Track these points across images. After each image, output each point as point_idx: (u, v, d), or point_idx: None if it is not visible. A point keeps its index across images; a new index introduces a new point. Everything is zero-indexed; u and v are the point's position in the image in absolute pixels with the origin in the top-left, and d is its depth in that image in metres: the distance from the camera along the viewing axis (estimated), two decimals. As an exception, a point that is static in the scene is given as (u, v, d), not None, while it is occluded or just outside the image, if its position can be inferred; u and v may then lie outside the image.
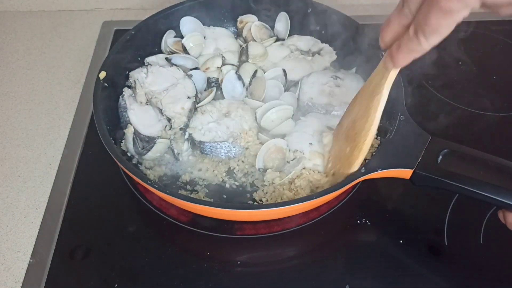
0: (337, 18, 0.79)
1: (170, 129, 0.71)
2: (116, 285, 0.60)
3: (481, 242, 0.64)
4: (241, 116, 0.72)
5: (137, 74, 0.74)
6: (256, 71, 0.77)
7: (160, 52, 0.82)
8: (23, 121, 0.81)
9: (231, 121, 0.72)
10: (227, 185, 0.68)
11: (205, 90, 0.79)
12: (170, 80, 0.74)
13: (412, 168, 0.58)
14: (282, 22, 0.86)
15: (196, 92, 0.74)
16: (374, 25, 0.75)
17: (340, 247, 0.64)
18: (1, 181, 0.73)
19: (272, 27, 0.87)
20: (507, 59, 0.91)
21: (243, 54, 0.81)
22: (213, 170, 0.69)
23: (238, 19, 0.87)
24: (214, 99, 0.76)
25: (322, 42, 0.84)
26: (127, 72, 0.75)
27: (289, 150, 0.68)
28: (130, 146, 0.68)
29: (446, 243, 0.64)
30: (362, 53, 0.77)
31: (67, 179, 0.71)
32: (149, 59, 0.79)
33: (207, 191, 0.68)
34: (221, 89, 0.77)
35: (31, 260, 0.63)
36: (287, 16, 0.85)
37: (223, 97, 0.77)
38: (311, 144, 0.69)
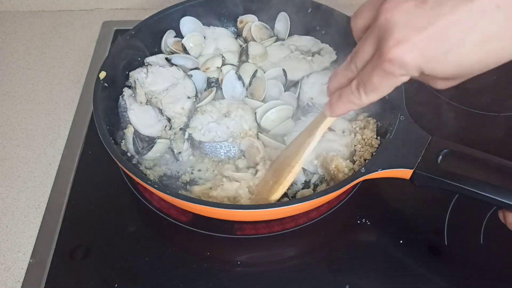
0: (337, 18, 0.79)
1: (170, 129, 0.71)
2: (116, 285, 0.60)
3: (481, 242, 0.64)
4: (241, 116, 0.72)
5: (137, 74, 0.74)
6: (256, 71, 0.77)
7: (160, 52, 0.82)
8: (23, 121, 0.81)
9: (231, 121, 0.72)
10: (227, 185, 0.68)
11: (205, 90, 0.79)
12: (170, 80, 0.74)
13: (412, 168, 0.58)
14: (282, 22, 0.86)
15: (196, 92, 0.74)
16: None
17: (340, 247, 0.64)
18: (1, 181, 0.73)
19: (272, 27, 0.87)
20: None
21: (243, 54, 0.81)
22: (213, 170, 0.69)
23: (238, 19, 0.87)
24: (214, 99, 0.76)
25: (322, 42, 0.84)
26: (127, 72, 0.75)
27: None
28: (130, 146, 0.68)
29: (446, 243, 0.64)
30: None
31: (67, 179, 0.71)
32: (149, 59, 0.79)
33: (207, 191, 0.68)
34: (221, 89, 0.77)
35: (31, 260, 0.63)
36: (287, 16, 0.85)
37: (223, 97, 0.77)
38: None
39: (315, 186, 0.68)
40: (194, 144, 0.70)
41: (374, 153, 0.65)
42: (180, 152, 0.70)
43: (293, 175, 0.60)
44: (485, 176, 0.55)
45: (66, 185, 0.70)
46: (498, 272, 0.62)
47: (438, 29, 0.37)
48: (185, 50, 0.80)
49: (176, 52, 0.80)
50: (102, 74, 0.70)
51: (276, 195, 0.60)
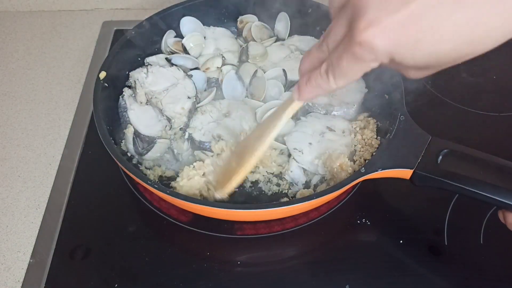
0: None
1: (170, 129, 0.71)
2: (116, 285, 0.60)
3: (481, 242, 0.64)
4: (241, 116, 0.72)
5: (137, 74, 0.74)
6: (256, 71, 0.77)
7: (160, 52, 0.82)
8: (23, 121, 0.81)
9: (231, 121, 0.72)
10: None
11: (205, 90, 0.79)
12: (170, 80, 0.74)
13: (412, 168, 0.58)
14: (282, 22, 0.86)
15: (196, 92, 0.74)
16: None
17: (340, 247, 0.64)
18: (1, 181, 0.73)
19: (272, 27, 0.87)
20: (507, 59, 0.91)
21: (243, 54, 0.81)
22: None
23: (238, 19, 0.87)
24: (214, 99, 0.76)
25: (322, 42, 0.84)
26: (127, 72, 0.75)
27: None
28: (130, 146, 0.68)
29: (446, 243, 0.64)
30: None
31: (67, 179, 0.71)
32: (149, 59, 0.79)
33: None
34: (221, 89, 0.77)
35: (31, 260, 0.63)
36: (287, 16, 0.85)
37: (223, 97, 0.77)
38: (310, 144, 0.69)
39: (315, 186, 0.68)
40: (194, 144, 0.70)
41: (374, 153, 0.65)
42: (180, 152, 0.70)
43: (255, 159, 0.57)
44: (485, 176, 0.55)
45: (66, 185, 0.70)
46: (498, 272, 0.62)
47: (411, 12, 0.35)
48: (185, 50, 0.80)
49: (176, 52, 0.80)
50: (102, 74, 0.70)
51: (238, 178, 0.58)
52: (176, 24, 0.83)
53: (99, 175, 0.72)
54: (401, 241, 0.64)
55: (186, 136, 0.70)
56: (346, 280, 0.60)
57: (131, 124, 0.69)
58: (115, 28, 0.96)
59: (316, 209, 0.67)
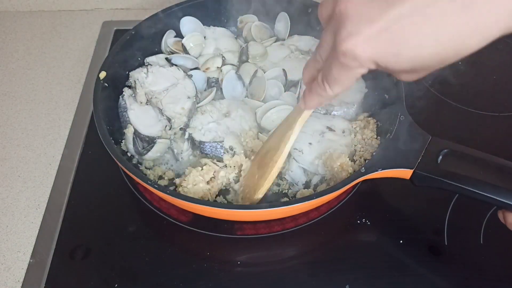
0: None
1: (170, 129, 0.71)
2: (116, 285, 0.60)
3: (481, 242, 0.64)
4: (241, 116, 0.72)
5: (137, 74, 0.74)
6: (256, 71, 0.77)
7: (160, 52, 0.82)
8: (23, 121, 0.81)
9: (231, 121, 0.72)
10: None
11: (205, 90, 0.79)
12: (170, 80, 0.74)
13: (412, 168, 0.58)
14: (282, 22, 0.86)
15: (196, 92, 0.74)
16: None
17: (340, 247, 0.64)
18: (1, 181, 0.73)
19: (272, 27, 0.87)
20: (507, 59, 0.91)
21: (243, 54, 0.81)
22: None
23: (238, 19, 0.87)
24: (214, 99, 0.76)
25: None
26: (127, 72, 0.75)
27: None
28: (130, 146, 0.68)
29: (446, 243, 0.64)
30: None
31: (67, 179, 0.71)
32: (149, 59, 0.79)
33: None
34: (221, 89, 0.77)
35: (31, 260, 0.63)
36: (287, 16, 0.85)
37: (223, 97, 0.77)
38: (310, 143, 0.69)
39: (315, 186, 0.68)
40: (194, 144, 0.70)
41: (374, 153, 0.65)
42: (180, 152, 0.70)
43: (277, 170, 0.61)
44: (485, 176, 0.55)
45: (66, 185, 0.70)
46: (498, 272, 0.62)
47: (388, 20, 0.36)
48: (185, 50, 0.80)
49: (176, 52, 0.80)
50: (102, 74, 0.70)
51: (262, 189, 0.61)
52: (176, 24, 0.83)
53: (99, 175, 0.72)
54: (401, 241, 0.64)
55: (186, 136, 0.70)
56: (346, 280, 0.60)
57: (131, 124, 0.69)
58: (115, 28, 0.96)
59: (316, 209, 0.67)
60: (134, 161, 0.70)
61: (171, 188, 0.66)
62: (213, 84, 0.79)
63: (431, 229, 0.66)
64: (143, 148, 0.69)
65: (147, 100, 0.73)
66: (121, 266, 0.62)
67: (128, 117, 0.70)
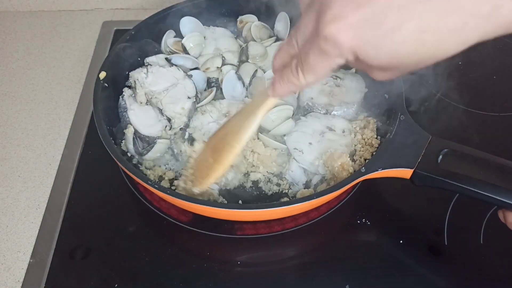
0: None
1: (170, 129, 0.71)
2: (116, 285, 0.60)
3: (481, 242, 0.64)
4: (241, 116, 0.72)
5: (137, 74, 0.74)
6: (256, 71, 0.77)
7: (160, 52, 0.82)
8: (23, 121, 0.81)
9: (231, 121, 0.72)
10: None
11: (205, 90, 0.79)
12: (170, 80, 0.74)
13: (412, 168, 0.58)
14: (282, 22, 0.86)
15: (196, 92, 0.74)
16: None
17: (340, 247, 0.64)
18: (1, 181, 0.73)
19: (272, 27, 0.87)
20: (507, 59, 0.91)
21: (243, 54, 0.81)
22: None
23: (238, 19, 0.87)
24: (214, 99, 0.76)
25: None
26: (127, 72, 0.75)
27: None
28: (130, 146, 0.68)
29: (446, 243, 0.64)
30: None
31: (67, 179, 0.71)
32: (149, 59, 0.79)
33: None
34: (221, 89, 0.77)
35: (31, 260, 0.63)
36: (287, 16, 0.85)
37: (223, 97, 0.77)
38: (310, 143, 0.69)
39: (316, 186, 0.68)
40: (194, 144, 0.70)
41: (374, 153, 0.65)
42: (180, 152, 0.70)
43: (233, 156, 0.57)
44: (485, 175, 0.55)
45: (66, 185, 0.70)
46: (498, 272, 0.62)
47: (375, 9, 0.35)
48: (185, 50, 0.80)
49: (176, 52, 0.80)
50: (102, 74, 0.70)
51: (216, 174, 0.58)
52: (176, 24, 0.83)
53: (99, 175, 0.72)
54: (401, 241, 0.64)
55: (186, 136, 0.70)
56: (346, 280, 0.60)
57: (131, 124, 0.69)
58: (115, 28, 0.96)
59: (316, 209, 0.67)
60: (134, 161, 0.70)
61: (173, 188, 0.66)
62: (213, 84, 0.79)
63: (431, 229, 0.66)
64: (143, 148, 0.69)
65: (147, 100, 0.73)
66: (121, 266, 0.62)
67: (128, 117, 0.70)
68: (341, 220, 0.67)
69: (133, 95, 0.73)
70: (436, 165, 0.58)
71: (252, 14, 0.87)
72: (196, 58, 0.80)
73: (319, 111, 0.74)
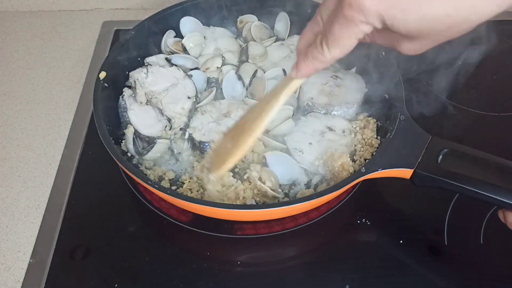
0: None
1: (170, 129, 0.71)
2: (116, 285, 0.60)
3: (481, 242, 0.64)
4: (241, 116, 0.72)
5: (137, 74, 0.74)
6: (256, 71, 0.77)
7: (160, 52, 0.82)
8: (23, 121, 0.81)
9: (231, 121, 0.72)
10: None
11: (205, 90, 0.79)
12: (170, 80, 0.74)
13: (413, 168, 0.58)
14: (282, 22, 0.86)
15: (196, 92, 0.74)
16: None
17: (340, 247, 0.64)
18: (1, 181, 0.73)
19: (272, 27, 0.87)
20: (507, 59, 0.91)
21: (243, 54, 0.81)
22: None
23: (238, 19, 0.87)
24: (214, 99, 0.76)
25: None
26: (127, 72, 0.75)
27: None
28: (130, 146, 0.68)
29: (446, 243, 0.64)
30: (362, 53, 0.76)
31: (67, 179, 0.71)
32: (149, 59, 0.79)
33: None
34: (221, 89, 0.77)
35: (31, 260, 0.63)
36: (287, 16, 0.85)
37: (223, 97, 0.77)
38: (310, 143, 0.69)
39: (316, 186, 0.68)
40: (194, 144, 0.70)
41: (374, 153, 0.65)
42: (180, 152, 0.70)
43: (253, 139, 0.55)
44: (485, 175, 0.55)
45: (66, 185, 0.70)
46: (498, 272, 0.62)
47: None
48: (185, 50, 0.80)
49: (176, 52, 0.80)
50: (102, 74, 0.70)
51: (234, 159, 0.56)
52: (176, 24, 0.83)
53: (99, 175, 0.72)
54: (401, 241, 0.64)
55: (186, 136, 0.70)
56: (346, 280, 0.60)
57: (131, 124, 0.69)
58: (115, 28, 0.96)
59: (316, 209, 0.67)
60: (134, 161, 0.70)
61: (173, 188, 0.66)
62: (213, 84, 0.79)
63: (431, 229, 0.66)
64: (143, 148, 0.69)
65: (147, 100, 0.73)
66: (121, 266, 0.62)
67: (128, 117, 0.70)
68: (341, 220, 0.67)
69: (133, 95, 0.73)
70: (436, 165, 0.58)
71: (252, 14, 0.87)
72: (196, 58, 0.80)
73: (319, 111, 0.74)
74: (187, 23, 0.83)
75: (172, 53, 0.81)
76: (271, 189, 0.63)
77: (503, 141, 0.78)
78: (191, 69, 0.79)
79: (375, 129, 0.71)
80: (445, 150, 0.59)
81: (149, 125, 0.70)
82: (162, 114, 0.71)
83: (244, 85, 0.77)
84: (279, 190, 0.65)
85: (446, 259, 0.63)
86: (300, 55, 0.46)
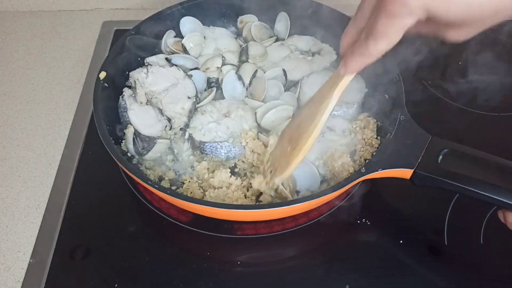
0: (337, 18, 0.79)
1: (170, 129, 0.71)
2: (116, 285, 0.60)
3: (481, 242, 0.64)
4: (241, 116, 0.72)
5: (137, 74, 0.74)
6: (256, 71, 0.77)
7: (160, 52, 0.82)
8: (23, 121, 0.81)
9: (231, 121, 0.72)
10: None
11: (205, 90, 0.79)
12: (170, 80, 0.74)
13: (413, 168, 0.58)
14: (282, 22, 0.86)
15: (196, 92, 0.74)
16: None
17: (340, 247, 0.65)
18: (1, 181, 0.73)
19: (272, 27, 0.87)
20: (507, 59, 0.91)
21: (243, 54, 0.81)
22: (213, 171, 0.69)
23: (238, 19, 0.87)
24: (214, 99, 0.76)
25: (322, 42, 0.84)
26: (127, 72, 0.75)
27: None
28: (130, 146, 0.68)
29: (446, 243, 0.64)
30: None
31: (67, 179, 0.71)
32: (149, 59, 0.79)
33: (207, 191, 0.68)
34: (221, 89, 0.77)
35: (31, 260, 0.63)
36: (287, 16, 0.85)
37: (223, 97, 0.77)
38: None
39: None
40: (195, 144, 0.70)
41: (374, 153, 0.65)
42: (180, 152, 0.70)
43: (312, 139, 0.56)
44: (485, 176, 0.55)
45: (66, 185, 0.70)
46: (498, 272, 0.62)
47: None
48: (185, 50, 0.80)
49: (176, 52, 0.80)
50: (102, 74, 0.70)
51: (297, 160, 0.57)
52: (176, 24, 0.83)
53: (99, 175, 0.72)
54: (401, 241, 0.64)
55: (186, 136, 0.70)
56: (346, 280, 0.60)
57: (131, 124, 0.69)
58: (115, 28, 0.96)
59: (316, 209, 0.67)
60: (134, 161, 0.70)
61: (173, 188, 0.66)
62: (213, 84, 0.79)
63: (431, 229, 0.66)
64: (143, 148, 0.69)
65: (147, 100, 0.73)
66: (121, 266, 0.62)
67: (128, 117, 0.70)
68: (341, 220, 0.67)
69: (133, 95, 0.73)
70: (436, 165, 0.58)
71: (252, 14, 0.87)
72: (196, 58, 0.80)
73: (319, 111, 0.74)
74: (187, 23, 0.83)
75: (172, 53, 0.81)
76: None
77: (503, 141, 0.78)
78: (191, 69, 0.79)
79: (375, 129, 0.71)
80: (445, 150, 0.59)
81: (149, 125, 0.70)
82: (162, 114, 0.71)
83: (244, 85, 0.77)
84: (296, 196, 0.65)
85: (446, 259, 0.63)
86: (347, 52, 0.47)
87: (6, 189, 0.72)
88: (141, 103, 0.72)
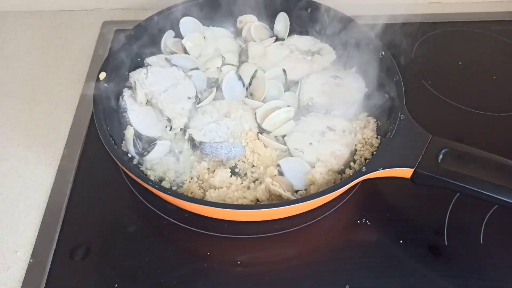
0: (337, 17, 0.79)
1: (170, 130, 0.71)
2: (116, 285, 0.60)
3: (481, 242, 0.64)
4: (242, 117, 0.72)
5: (137, 75, 0.74)
6: (256, 71, 0.77)
7: (160, 52, 0.82)
8: (23, 121, 0.81)
9: (231, 121, 0.72)
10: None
11: (205, 90, 0.79)
12: (170, 81, 0.74)
13: (413, 168, 0.58)
14: (282, 22, 0.86)
15: (196, 93, 0.74)
16: (373, 25, 0.75)
17: (340, 247, 0.64)
18: (1, 181, 0.73)
19: (272, 27, 0.87)
20: (507, 59, 0.91)
21: (243, 54, 0.81)
22: (214, 171, 0.69)
23: (238, 19, 0.87)
24: (214, 99, 0.76)
25: (322, 42, 0.84)
26: (127, 73, 0.75)
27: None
28: (131, 147, 0.68)
29: (446, 243, 0.64)
30: (362, 53, 0.77)
31: (67, 179, 0.71)
32: (149, 60, 0.79)
33: (207, 191, 0.68)
34: (221, 89, 0.77)
35: (31, 260, 0.63)
36: (287, 16, 0.85)
37: (223, 98, 0.77)
38: (311, 143, 0.69)
39: (315, 186, 0.68)
40: (195, 145, 0.70)
41: (374, 153, 0.65)
42: (180, 152, 0.70)
43: None
44: (486, 175, 0.55)
45: (66, 185, 0.70)
46: (498, 272, 0.62)
47: None
48: (184, 51, 0.80)
49: (176, 53, 0.80)
50: (102, 75, 0.70)
51: None
52: (176, 24, 0.83)
53: (99, 175, 0.72)
54: (401, 241, 0.64)
55: (187, 137, 0.70)
56: (346, 280, 0.60)
57: (131, 125, 0.69)
58: (115, 28, 0.96)
59: (316, 209, 0.67)
60: (135, 161, 0.70)
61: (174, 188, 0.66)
62: (213, 84, 0.79)
63: (431, 229, 0.66)
64: (143, 149, 0.69)
65: (147, 100, 0.73)
66: (121, 266, 0.62)
67: (128, 117, 0.70)
68: (341, 220, 0.67)
69: (133, 96, 0.73)
70: (436, 165, 0.58)
71: (252, 14, 0.87)
72: (196, 58, 0.80)
73: (319, 111, 0.74)
74: (187, 23, 0.83)
75: (172, 53, 0.81)
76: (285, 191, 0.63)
77: (503, 141, 0.78)
78: (191, 70, 0.78)
79: (375, 128, 0.71)
80: (446, 149, 0.59)
81: (149, 125, 0.70)
82: (162, 114, 0.71)
83: (244, 85, 0.77)
84: (295, 195, 0.65)
85: (446, 259, 0.63)
86: None
87: (6, 189, 0.72)
88: (141, 103, 0.72)
